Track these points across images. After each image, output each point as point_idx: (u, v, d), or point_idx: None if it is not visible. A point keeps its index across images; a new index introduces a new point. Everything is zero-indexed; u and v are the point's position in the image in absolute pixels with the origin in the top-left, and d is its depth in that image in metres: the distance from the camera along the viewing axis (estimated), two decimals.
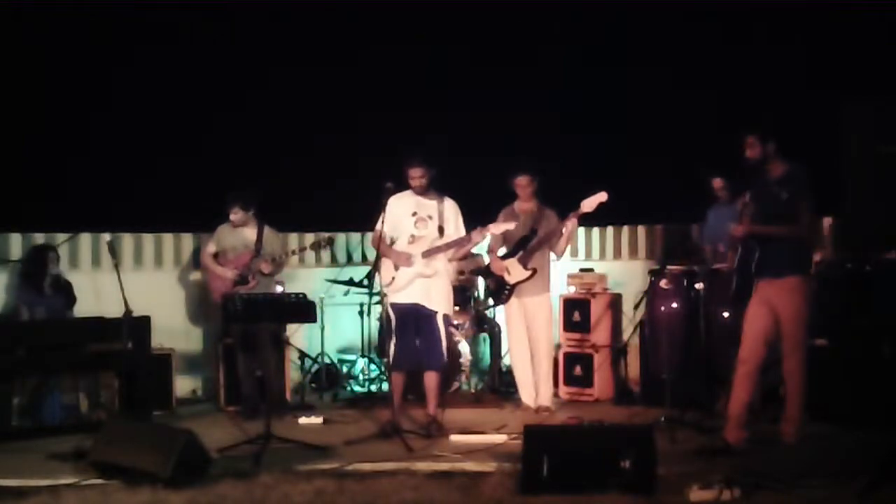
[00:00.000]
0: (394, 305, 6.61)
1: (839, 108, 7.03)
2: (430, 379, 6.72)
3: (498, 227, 6.66)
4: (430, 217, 6.71)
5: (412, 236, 6.65)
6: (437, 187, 6.78)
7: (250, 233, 7.63)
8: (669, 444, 5.99)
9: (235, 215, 7.54)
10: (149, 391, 7.00)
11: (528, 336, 7.39)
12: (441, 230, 6.70)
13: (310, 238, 8.75)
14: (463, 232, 6.75)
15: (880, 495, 4.75)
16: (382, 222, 6.52)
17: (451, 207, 6.80)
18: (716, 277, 6.91)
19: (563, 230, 7.19)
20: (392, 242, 6.73)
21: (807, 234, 6.01)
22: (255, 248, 7.57)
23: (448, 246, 6.69)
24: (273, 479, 5.36)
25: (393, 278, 6.57)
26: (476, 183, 8.16)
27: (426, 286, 6.65)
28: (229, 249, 7.63)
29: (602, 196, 6.92)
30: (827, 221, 7.62)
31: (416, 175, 6.68)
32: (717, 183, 7.37)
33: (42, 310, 7.29)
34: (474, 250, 8.81)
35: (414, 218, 6.66)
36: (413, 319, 6.61)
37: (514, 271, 7.33)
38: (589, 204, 6.97)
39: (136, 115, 8.13)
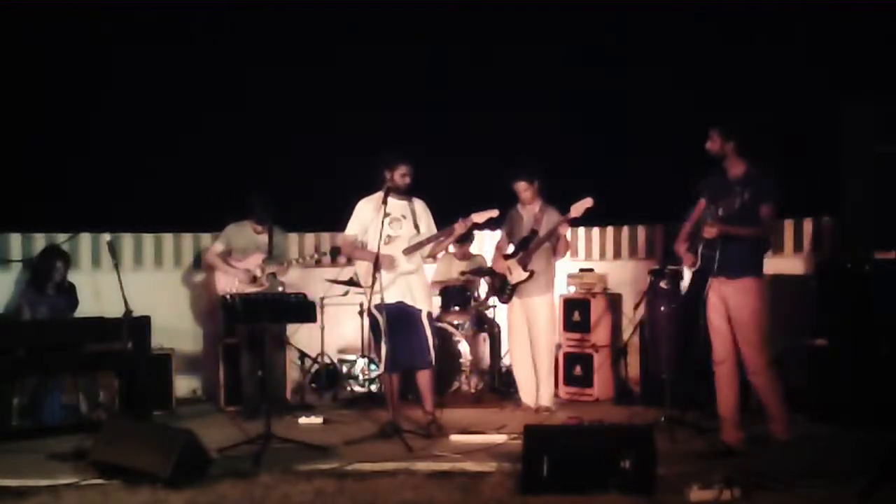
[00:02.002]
0: (379, 307, 6.48)
1: (839, 108, 7.02)
2: (423, 378, 6.72)
3: (481, 216, 6.61)
4: (404, 216, 6.71)
5: (388, 236, 6.60)
6: (409, 188, 6.76)
7: (261, 234, 7.66)
8: (669, 444, 5.99)
9: (259, 226, 7.62)
10: (149, 391, 7.01)
11: (530, 336, 7.40)
12: (417, 228, 6.72)
13: (310, 239, 8.78)
14: (435, 230, 6.75)
15: (880, 495, 4.75)
16: (384, 225, 6.51)
17: (421, 206, 6.82)
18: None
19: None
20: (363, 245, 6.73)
21: (769, 236, 6.03)
22: (268, 250, 7.59)
23: (429, 240, 6.69)
24: (273, 479, 5.37)
25: (374, 279, 6.41)
26: (476, 183, 8.17)
27: (408, 284, 6.65)
28: (238, 250, 7.65)
29: (588, 202, 6.97)
30: (827, 221, 7.63)
31: (407, 172, 6.65)
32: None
33: (44, 310, 7.29)
34: (473, 250, 8.86)
35: (388, 218, 6.60)
36: (398, 319, 6.57)
37: (515, 272, 7.35)
38: (576, 209, 7.02)
39: (136, 115, 8.13)
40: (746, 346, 5.84)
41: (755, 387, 5.95)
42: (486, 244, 9.11)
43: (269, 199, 7.61)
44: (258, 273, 7.54)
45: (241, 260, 7.61)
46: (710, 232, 5.81)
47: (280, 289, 7.82)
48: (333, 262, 8.74)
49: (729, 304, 5.85)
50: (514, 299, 7.43)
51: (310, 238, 8.92)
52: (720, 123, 5.87)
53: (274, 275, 7.61)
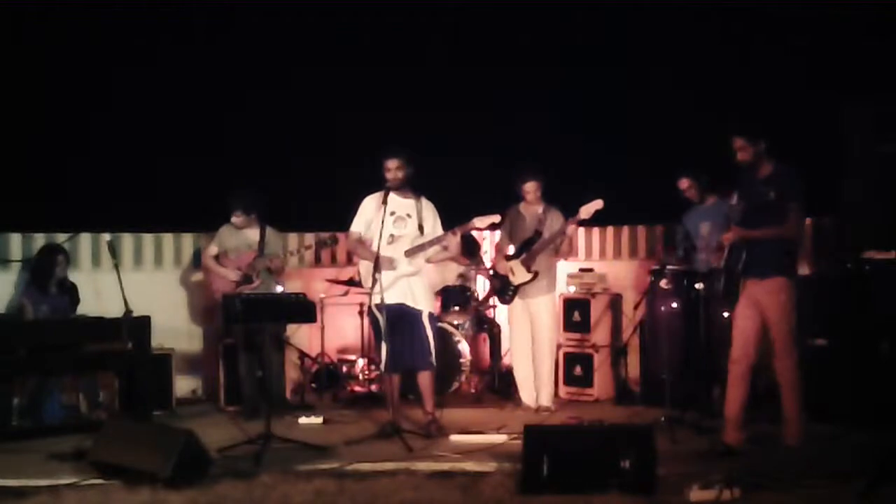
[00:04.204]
0: (380, 306, 6.45)
1: (839, 108, 7.02)
2: (424, 379, 6.70)
3: (483, 221, 6.59)
4: (409, 216, 6.65)
5: (392, 235, 6.56)
6: (415, 187, 6.72)
7: (252, 233, 7.66)
8: (669, 444, 5.99)
9: (237, 218, 7.58)
10: (149, 391, 6.99)
11: (532, 336, 7.40)
12: (421, 228, 6.65)
13: (310, 238, 8.77)
14: (440, 231, 6.69)
15: (880, 495, 4.75)
16: (385, 223, 6.49)
17: (428, 207, 6.74)
18: (715, 277, 6.90)
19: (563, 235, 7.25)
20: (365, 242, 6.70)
21: (796, 235, 6.00)
22: (259, 248, 7.59)
23: (432, 242, 6.63)
24: (273, 479, 5.37)
25: (375, 280, 6.37)
26: (475, 183, 8.18)
27: (409, 285, 6.62)
28: (231, 250, 7.65)
29: (598, 203, 6.99)
30: (827, 221, 7.63)
31: (392, 166, 6.54)
32: (683, 184, 7.38)
33: (46, 308, 7.28)
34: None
35: (392, 217, 6.58)
36: (399, 320, 6.56)
37: (518, 273, 7.35)
38: (586, 211, 7.02)
39: (137, 114, 8.12)
40: (779, 344, 5.83)
41: (780, 385, 5.92)
42: (487, 244, 9.12)
43: (252, 192, 7.57)
44: (250, 272, 7.53)
45: (233, 261, 7.60)
46: (727, 238, 5.86)
47: (280, 288, 7.83)
48: (333, 262, 8.74)
49: (762, 305, 5.84)
50: (517, 300, 7.43)
51: (309, 238, 8.90)
52: (741, 130, 5.84)
53: (269, 270, 7.59)
